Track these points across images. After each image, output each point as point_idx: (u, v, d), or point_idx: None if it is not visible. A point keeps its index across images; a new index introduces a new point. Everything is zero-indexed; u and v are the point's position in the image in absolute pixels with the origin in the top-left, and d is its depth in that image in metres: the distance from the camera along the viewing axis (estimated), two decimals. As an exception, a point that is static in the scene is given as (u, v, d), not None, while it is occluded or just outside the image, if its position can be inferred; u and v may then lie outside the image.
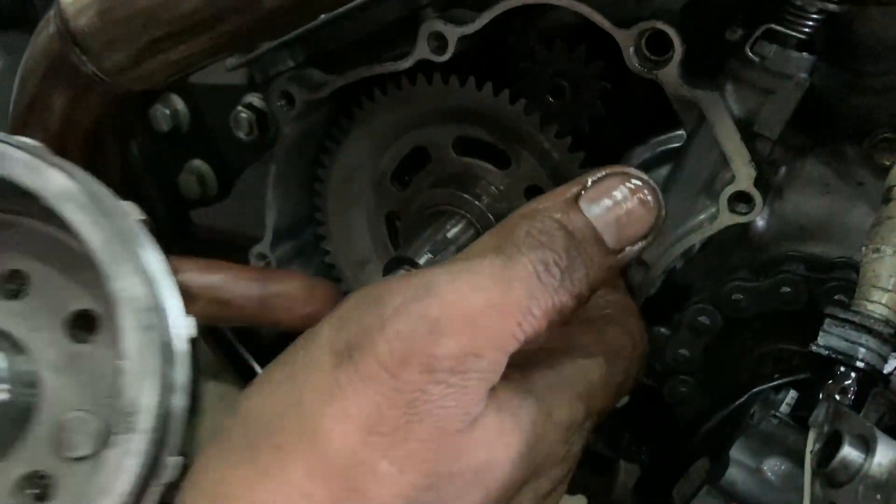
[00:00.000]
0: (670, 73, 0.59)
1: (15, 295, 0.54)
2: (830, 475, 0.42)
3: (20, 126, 0.66)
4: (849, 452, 0.41)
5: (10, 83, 1.08)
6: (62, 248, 0.53)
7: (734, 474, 0.52)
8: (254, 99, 0.88)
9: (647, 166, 0.70)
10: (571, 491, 0.91)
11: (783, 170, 0.65)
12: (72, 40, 0.58)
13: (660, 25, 0.58)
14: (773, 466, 0.52)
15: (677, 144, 0.67)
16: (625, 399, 0.70)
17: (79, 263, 0.51)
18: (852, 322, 0.50)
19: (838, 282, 0.57)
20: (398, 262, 0.65)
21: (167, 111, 0.93)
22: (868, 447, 0.41)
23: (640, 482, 0.67)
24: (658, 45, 0.59)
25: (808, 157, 0.65)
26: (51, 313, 0.53)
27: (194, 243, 0.98)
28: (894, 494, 0.40)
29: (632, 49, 0.59)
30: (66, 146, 0.65)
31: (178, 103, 0.94)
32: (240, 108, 0.88)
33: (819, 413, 0.47)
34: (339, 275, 0.81)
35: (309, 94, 0.73)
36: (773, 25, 0.56)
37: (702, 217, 0.64)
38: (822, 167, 0.65)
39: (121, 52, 0.59)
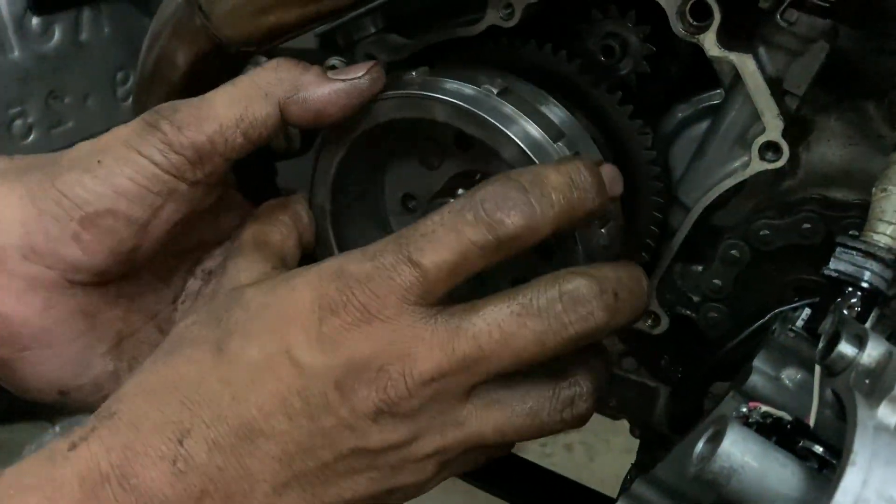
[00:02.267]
0: (710, 37, 0.68)
1: None
2: (829, 366, 0.51)
3: (148, 81, 0.77)
4: (845, 347, 0.50)
5: (116, 49, 1.20)
6: None
7: (755, 381, 0.61)
8: (336, 62, 0.98)
9: (688, 121, 0.79)
10: (614, 416, 1.01)
11: (810, 124, 0.73)
12: (197, 5, 0.69)
13: (701, -5, 0.67)
14: (789, 374, 0.61)
15: (716, 102, 0.76)
16: (664, 326, 0.80)
17: None
18: (859, 249, 0.59)
19: (852, 219, 0.66)
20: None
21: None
22: (861, 343, 0.50)
23: (674, 392, 0.76)
24: (699, 12, 0.68)
25: (832, 113, 0.73)
26: None
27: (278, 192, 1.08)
28: (879, 379, 0.48)
29: (676, 15, 0.68)
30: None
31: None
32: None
33: (826, 322, 0.56)
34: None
35: (390, 55, 0.82)
36: (801, -5, 0.65)
37: (736, 165, 0.73)
38: (846, 122, 0.73)
39: (237, 17, 0.69)
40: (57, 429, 1.63)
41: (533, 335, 0.59)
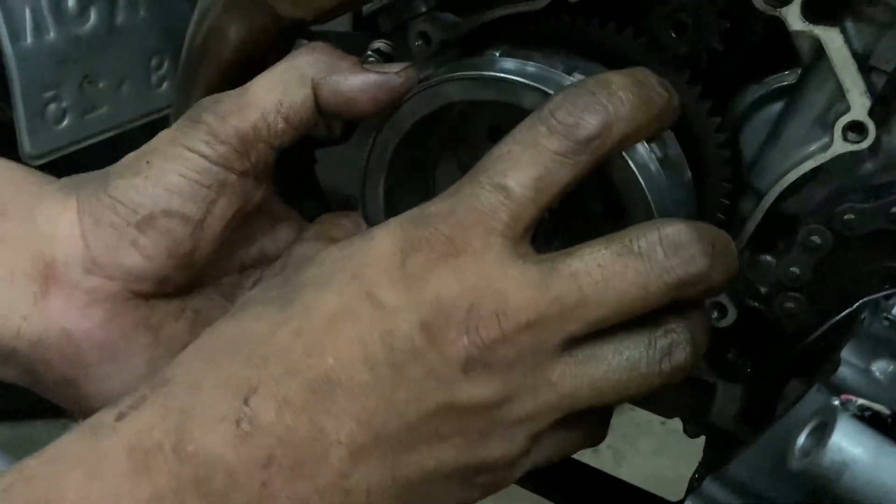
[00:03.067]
0: (793, 10, 0.64)
1: None
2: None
3: (197, 56, 0.74)
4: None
5: (152, 34, 1.18)
6: None
7: (844, 373, 0.57)
8: (381, 45, 0.95)
9: (760, 103, 0.75)
10: (666, 413, 0.97)
11: (893, 105, 0.69)
12: (251, -25, 0.66)
13: (785, -36, 0.63)
14: (881, 367, 0.57)
15: (791, 82, 0.72)
16: (731, 317, 0.76)
17: None
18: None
19: (946, 203, 0.62)
20: None
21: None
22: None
23: (750, 386, 0.73)
24: (782, -16, 0.64)
25: (917, 93, 0.69)
26: None
27: (317, 182, 1.06)
28: None
29: (757, -14, 0.65)
30: (240, 74, 0.72)
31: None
32: (369, 52, 0.94)
33: (931, 309, 0.52)
34: None
35: (445, 33, 0.79)
36: (895, -38, 0.61)
37: (814, 147, 0.69)
38: (930, 103, 0.69)
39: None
40: (80, 424, 1.60)
41: (636, 276, 0.56)
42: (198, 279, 0.71)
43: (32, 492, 0.51)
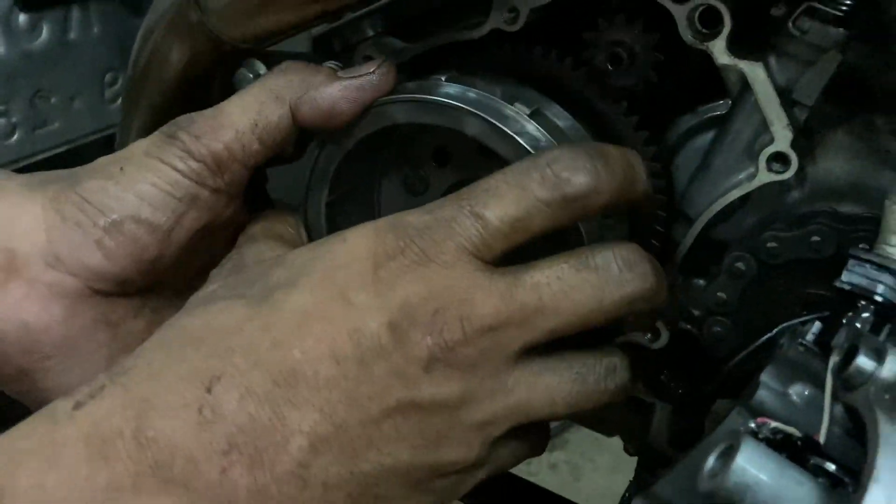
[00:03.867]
0: (719, 45, 0.66)
1: None
2: (847, 380, 0.49)
3: (140, 78, 0.75)
4: (863, 361, 0.48)
5: (105, 49, 1.18)
6: None
7: (763, 396, 0.59)
8: (332, 65, 0.96)
9: (692, 132, 0.77)
10: (608, 432, 0.99)
11: (816, 137, 0.72)
12: (194, 1, 0.67)
13: (711, 1, 0.66)
14: (797, 390, 0.59)
15: (721, 112, 0.75)
16: (664, 340, 0.78)
17: None
18: (873, 262, 0.57)
19: (863, 233, 0.64)
20: None
21: (251, 75, 1.01)
22: (880, 357, 0.49)
23: (676, 408, 0.75)
24: (709, 19, 0.67)
25: (840, 126, 0.72)
26: None
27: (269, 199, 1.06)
28: (900, 393, 0.47)
29: (686, 22, 0.67)
30: (181, 95, 0.74)
31: (261, 68, 1.03)
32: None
33: (840, 336, 0.54)
34: None
35: (389, 59, 0.81)
36: (814, 3, 0.64)
37: (741, 176, 0.71)
38: (853, 136, 0.72)
39: (235, 14, 0.68)
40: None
41: (592, 290, 0.59)
42: (158, 281, 0.72)
43: None
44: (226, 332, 0.56)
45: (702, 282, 0.76)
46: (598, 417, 0.98)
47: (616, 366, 0.65)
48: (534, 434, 0.65)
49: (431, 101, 0.70)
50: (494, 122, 0.68)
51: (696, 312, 0.76)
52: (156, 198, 0.66)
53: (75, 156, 1.18)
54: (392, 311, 0.57)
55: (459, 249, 0.58)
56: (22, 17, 1.10)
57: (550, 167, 0.60)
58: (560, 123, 0.72)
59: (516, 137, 0.67)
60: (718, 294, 0.70)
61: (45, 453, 0.51)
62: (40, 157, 1.14)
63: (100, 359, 0.69)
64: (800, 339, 0.59)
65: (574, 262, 0.60)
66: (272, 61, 1.01)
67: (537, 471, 2.17)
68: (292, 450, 0.54)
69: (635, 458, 0.93)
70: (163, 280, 0.73)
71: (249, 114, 0.67)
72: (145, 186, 0.66)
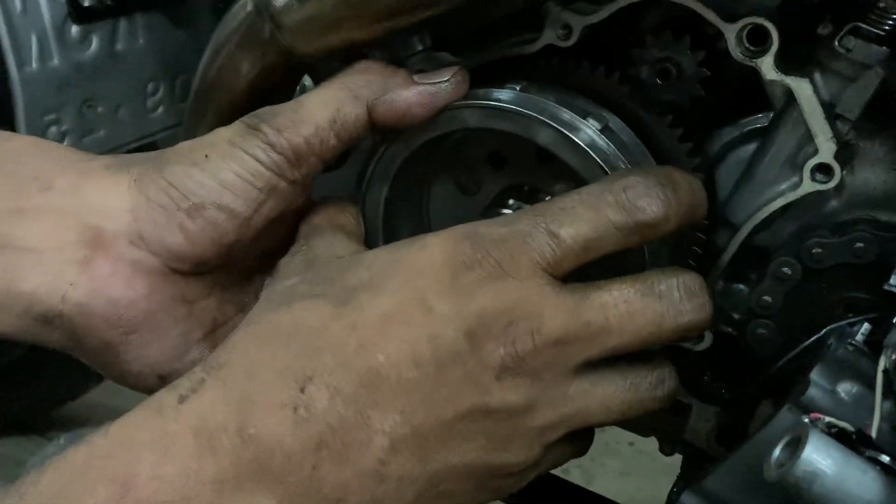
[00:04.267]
0: (767, 62, 0.70)
1: None
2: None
3: (209, 89, 0.78)
4: (917, 360, 0.52)
5: (149, 60, 1.21)
6: None
7: (813, 393, 0.62)
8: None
9: (734, 144, 0.81)
10: (645, 433, 1.02)
11: (854, 149, 0.76)
12: (269, 16, 0.71)
13: (760, 20, 0.70)
14: (845, 388, 0.63)
15: (762, 125, 0.78)
16: (707, 342, 0.82)
17: None
18: (920, 266, 0.61)
19: (905, 240, 0.68)
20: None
21: (297, 88, 1.05)
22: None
23: (725, 408, 0.78)
24: (757, 37, 0.70)
25: (877, 139, 0.76)
26: None
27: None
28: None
29: (735, 40, 0.71)
30: (247, 106, 0.76)
31: (306, 80, 1.06)
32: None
33: (892, 336, 0.58)
34: None
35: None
36: (859, 23, 0.67)
37: (784, 186, 0.75)
38: (888, 148, 0.75)
39: (307, 29, 0.71)
40: (62, 440, 1.61)
41: (654, 315, 0.63)
42: (230, 261, 0.74)
43: (110, 470, 0.54)
44: (314, 331, 0.59)
45: (742, 286, 0.79)
46: (636, 419, 1.01)
47: (665, 376, 0.68)
48: (581, 437, 0.69)
49: (506, 109, 0.73)
50: (567, 133, 0.71)
51: (737, 316, 0.80)
52: (238, 186, 0.68)
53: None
54: (469, 320, 0.60)
55: (533, 264, 0.61)
56: (74, 29, 1.13)
57: (625, 193, 0.63)
58: (624, 138, 0.75)
59: (588, 150, 0.71)
60: (764, 297, 0.74)
61: (160, 446, 0.55)
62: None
63: (177, 334, 0.72)
64: (849, 340, 0.63)
65: (640, 287, 0.64)
66: (321, 71, 1.05)
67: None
68: (375, 448, 0.58)
69: (644, 463, 0.96)
70: (234, 261, 0.75)
71: (329, 109, 0.70)
72: (229, 175, 0.68)
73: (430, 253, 0.62)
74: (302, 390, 0.57)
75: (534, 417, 0.63)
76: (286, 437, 0.56)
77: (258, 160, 0.68)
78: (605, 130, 0.74)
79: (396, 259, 0.63)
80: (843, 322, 0.65)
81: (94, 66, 1.16)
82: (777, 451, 0.53)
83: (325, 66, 0.80)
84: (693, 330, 0.65)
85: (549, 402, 0.63)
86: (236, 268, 0.77)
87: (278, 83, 0.77)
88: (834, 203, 0.76)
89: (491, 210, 0.80)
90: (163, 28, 1.16)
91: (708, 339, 0.81)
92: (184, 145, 0.71)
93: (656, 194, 0.63)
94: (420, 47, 0.88)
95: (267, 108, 0.70)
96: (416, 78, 0.73)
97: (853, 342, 0.62)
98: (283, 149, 0.69)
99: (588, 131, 0.73)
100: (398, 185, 0.81)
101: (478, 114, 0.74)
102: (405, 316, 0.60)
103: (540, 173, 0.79)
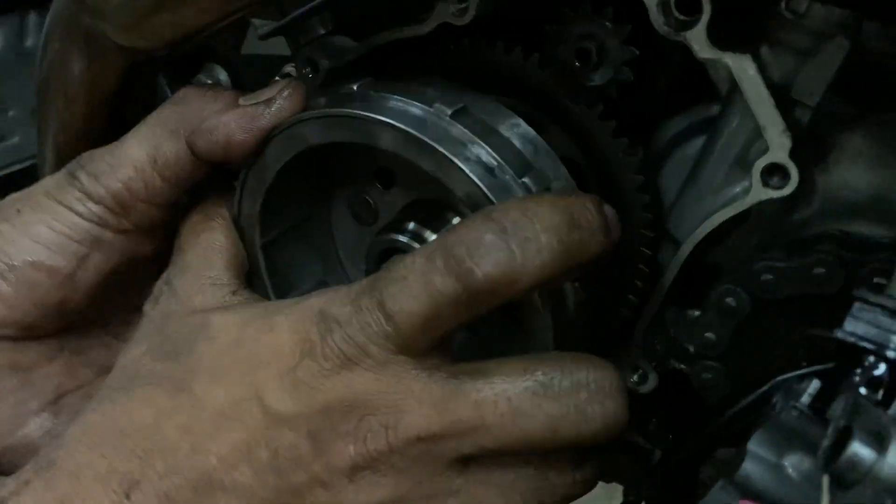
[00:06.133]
0: (699, 34, 0.54)
1: None
2: (839, 474, 0.38)
3: (44, 92, 0.67)
4: (858, 449, 0.37)
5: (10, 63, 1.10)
6: None
7: (750, 469, 0.48)
8: (290, 69, 0.87)
9: (681, 138, 0.66)
10: (607, 478, 0.88)
11: (829, 142, 0.60)
12: (84, 3, 0.58)
13: (688, -18, 0.54)
14: (794, 462, 0.48)
15: (713, 114, 0.63)
16: (652, 384, 0.67)
17: None
18: (885, 307, 0.45)
19: (879, 264, 0.52)
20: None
21: (209, 81, 0.93)
22: (882, 445, 0.37)
23: (659, 466, 0.64)
24: (687, 5, 0.55)
25: (857, 128, 0.60)
26: None
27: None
28: (905, 498, 0.35)
29: (658, 8, 0.55)
30: (89, 113, 0.66)
31: (221, 73, 0.94)
32: (277, 77, 0.87)
33: (837, 406, 0.43)
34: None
35: (333, 61, 0.71)
36: (812, -21, 0.51)
37: (736, 190, 0.60)
38: (874, 139, 0.60)
39: (127, 16, 0.58)
40: None
41: (547, 420, 0.52)
42: (78, 320, 0.69)
43: None
44: (146, 430, 0.55)
45: (697, 313, 0.64)
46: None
47: (584, 454, 0.57)
48: None
49: (340, 115, 0.60)
50: (410, 130, 0.57)
51: (691, 349, 0.64)
52: (53, 241, 0.64)
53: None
54: (311, 420, 0.54)
55: (382, 349, 0.53)
56: (-31, 26, 1.04)
57: (453, 252, 0.51)
58: (518, 141, 0.61)
59: (435, 145, 0.57)
60: (706, 335, 0.59)
61: None
62: (1, 173, 1.08)
63: (6, 407, 0.67)
64: (793, 402, 0.47)
65: (532, 384, 0.52)
66: (235, 63, 0.93)
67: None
68: None
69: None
70: (85, 319, 0.69)
71: (145, 149, 0.64)
72: (41, 229, 0.64)
73: (276, 337, 0.56)
74: (127, 496, 0.53)
75: None
76: None
77: (74, 211, 0.64)
78: (461, 115, 0.59)
79: (241, 340, 0.57)
80: (791, 374, 0.50)
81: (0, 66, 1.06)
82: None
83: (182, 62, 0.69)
84: (599, 438, 0.53)
85: (422, 497, 0.54)
86: (94, 325, 0.71)
87: (120, 81, 0.64)
88: (802, 211, 0.60)
89: (384, 235, 0.65)
90: (25, 29, 1.05)
91: (653, 380, 0.67)
92: (6, 200, 0.66)
93: (489, 249, 0.50)
94: (321, 31, 0.75)
95: (88, 153, 0.65)
96: (241, 100, 0.64)
97: (797, 405, 0.47)
98: (101, 197, 0.63)
99: (437, 121, 0.59)
100: (277, 225, 0.69)
101: (316, 127, 0.61)
102: (241, 415, 0.54)
103: (431, 185, 0.65)
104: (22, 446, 0.66)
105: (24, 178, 1.11)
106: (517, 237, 0.50)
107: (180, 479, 0.54)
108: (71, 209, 0.64)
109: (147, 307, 0.65)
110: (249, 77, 0.95)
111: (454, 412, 0.52)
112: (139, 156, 0.63)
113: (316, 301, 0.56)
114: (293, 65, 0.86)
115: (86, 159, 0.65)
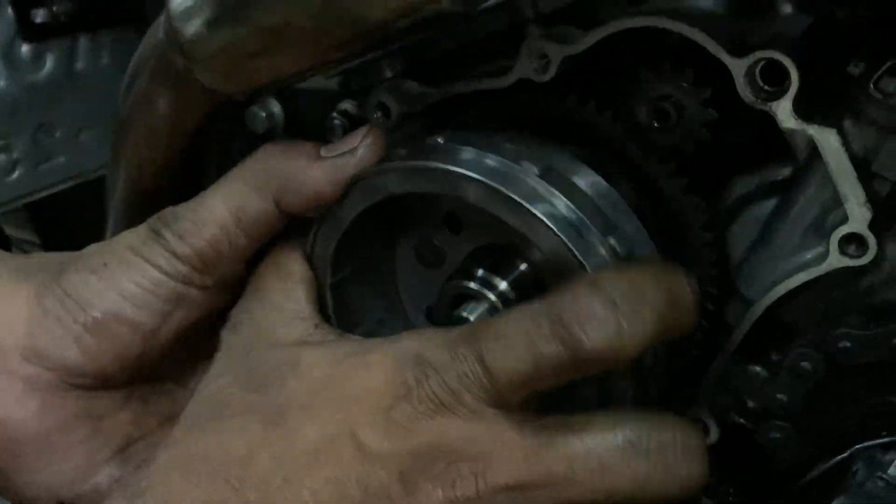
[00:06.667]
0: (784, 106, 0.56)
1: None
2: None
3: (126, 126, 0.68)
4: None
5: (116, 80, 1.11)
6: None
7: (834, 537, 0.49)
8: (349, 106, 0.88)
9: (750, 198, 0.67)
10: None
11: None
12: (178, 47, 0.59)
13: (776, 55, 0.56)
14: (878, 532, 0.49)
15: (785, 177, 0.64)
16: (714, 437, 0.68)
17: None
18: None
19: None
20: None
21: (263, 114, 0.93)
22: None
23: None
24: (773, 75, 0.56)
25: (927, 197, 0.61)
26: None
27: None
28: None
29: (744, 78, 0.57)
30: (170, 146, 0.67)
31: (275, 106, 0.94)
32: (335, 114, 0.88)
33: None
34: None
35: (405, 106, 0.72)
36: (900, 61, 0.53)
37: (809, 256, 0.61)
38: (943, 209, 0.61)
39: (223, 62, 0.59)
40: None
41: (635, 477, 0.53)
42: (145, 373, 0.69)
43: None
44: (239, 461, 0.56)
45: (759, 369, 0.66)
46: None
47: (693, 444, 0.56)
48: None
49: (424, 168, 0.61)
50: (499, 186, 0.58)
51: (752, 404, 0.66)
52: (139, 297, 0.64)
53: (85, 190, 1.12)
54: (404, 459, 0.54)
55: (477, 399, 0.54)
56: (25, 48, 1.04)
57: (562, 318, 0.52)
58: (580, 182, 0.62)
59: (523, 203, 0.58)
60: (778, 396, 0.60)
61: None
62: (44, 193, 1.09)
63: (79, 454, 0.66)
64: (879, 472, 0.49)
65: (623, 442, 0.53)
66: (290, 97, 0.94)
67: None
68: None
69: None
70: (153, 371, 0.70)
71: (230, 208, 0.64)
72: (129, 285, 0.64)
73: (370, 376, 0.57)
74: None
75: None
76: None
77: (161, 269, 0.64)
78: (549, 175, 0.61)
79: (334, 377, 0.58)
80: (874, 442, 0.51)
81: (49, 88, 1.07)
82: None
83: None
84: (681, 496, 0.54)
85: None
86: (161, 376, 0.71)
87: (204, 122, 0.66)
88: (871, 279, 0.61)
89: (454, 280, 0.67)
90: (130, 45, 1.06)
91: (714, 432, 0.68)
92: (88, 250, 0.67)
93: (600, 321, 0.51)
94: (389, 74, 0.77)
95: (170, 210, 0.65)
96: (322, 151, 0.65)
97: (885, 476, 0.48)
98: (186, 257, 0.64)
99: (524, 178, 0.60)
100: (345, 267, 0.70)
101: (397, 177, 0.63)
102: (335, 452, 0.55)
103: (502, 232, 0.66)
104: (91, 493, 0.66)
105: (70, 196, 1.13)
106: (625, 312, 0.51)
107: None
108: (158, 267, 0.64)
109: (225, 334, 0.66)
110: (302, 109, 0.97)
111: (545, 464, 0.53)
112: (223, 214, 0.64)
113: (410, 344, 0.57)
114: (352, 101, 0.88)
115: (169, 217, 0.66)
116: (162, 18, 0.62)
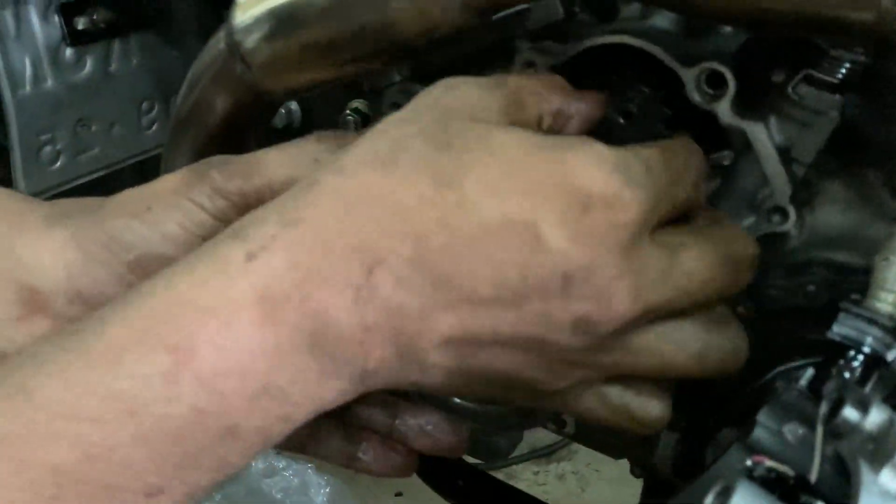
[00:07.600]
0: (724, 106, 0.72)
1: None
2: (835, 429, 0.55)
3: (184, 123, 0.81)
4: (849, 412, 0.54)
5: (143, 80, 1.24)
6: None
7: (759, 434, 0.64)
8: (360, 104, 1.02)
9: (699, 179, 0.83)
10: (615, 454, 1.04)
11: (814, 187, 0.77)
12: (239, 56, 0.73)
13: (717, 66, 0.71)
14: (791, 429, 0.65)
15: (726, 163, 0.80)
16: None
17: None
18: (862, 316, 0.62)
19: (856, 284, 0.69)
20: None
21: (283, 111, 1.08)
22: (865, 409, 0.54)
23: (680, 439, 0.80)
24: (715, 82, 0.72)
25: (836, 178, 0.77)
26: None
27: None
28: (882, 445, 0.52)
29: (693, 84, 0.72)
30: (221, 143, 0.79)
31: (293, 103, 1.09)
32: (347, 111, 1.01)
33: (829, 385, 0.59)
34: None
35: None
36: (812, 71, 0.69)
37: (745, 224, 0.76)
38: (848, 188, 0.77)
39: (277, 70, 0.73)
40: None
41: (721, 286, 0.62)
42: None
43: (171, 337, 0.51)
44: (404, 210, 0.53)
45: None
46: (604, 440, 1.03)
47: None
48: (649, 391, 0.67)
49: None
50: None
51: (701, 348, 0.81)
52: (181, 238, 0.65)
53: (114, 178, 1.25)
54: (573, 264, 0.53)
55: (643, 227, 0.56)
56: (69, 52, 1.16)
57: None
58: None
59: None
60: (720, 336, 0.75)
61: (223, 312, 0.51)
62: (82, 180, 1.20)
63: None
64: (794, 385, 0.64)
65: (720, 252, 0.61)
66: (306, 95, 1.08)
67: (545, 481, 2.23)
68: (424, 342, 0.55)
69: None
70: None
71: (286, 169, 0.66)
72: (172, 226, 0.65)
73: (575, 175, 0.53)
74: (370, 272, 0.52)
75: (597, 358, 0.59)
76: (342, 316, 0.52)
77: (203, 208, 0.65)
78: None
79: (526, 163, 0.54)
80: (791, 365, 0.67)
81: (88, 87, 1.18)
82: (709, 500, 0.55)
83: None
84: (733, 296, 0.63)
85: (608, 350, 0.58)
86: None
87: (252, 119, 0.79)
88: (793, 242, 0.77)
89: None
90: (156, 47, 1.19)
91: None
92: (128, 194, 0.68)
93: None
94: (397, 77, 0.91)
95: (219, 157, 0.67)
96: None
97: (797, 388, 0.64)
98: (228, 193, 0.64)
99: None
100: None
101: None
102: (508, 240, 0.52)
103: None
104: None
105: (102, 184, 1.25)
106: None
107: (422, 271, 0.52)
108: (201, 206, 0.64)
109: (423, 94, 0.61)
110: (317, 107, 1.10)
111: (674, 281, 0.57)
112: (278, 171, 0.65)
113: (620, 153, 0.55)
114: (362, 101, 1.02)
115: (218, 161, 0.66)
116: (221, 34, 0.76)
